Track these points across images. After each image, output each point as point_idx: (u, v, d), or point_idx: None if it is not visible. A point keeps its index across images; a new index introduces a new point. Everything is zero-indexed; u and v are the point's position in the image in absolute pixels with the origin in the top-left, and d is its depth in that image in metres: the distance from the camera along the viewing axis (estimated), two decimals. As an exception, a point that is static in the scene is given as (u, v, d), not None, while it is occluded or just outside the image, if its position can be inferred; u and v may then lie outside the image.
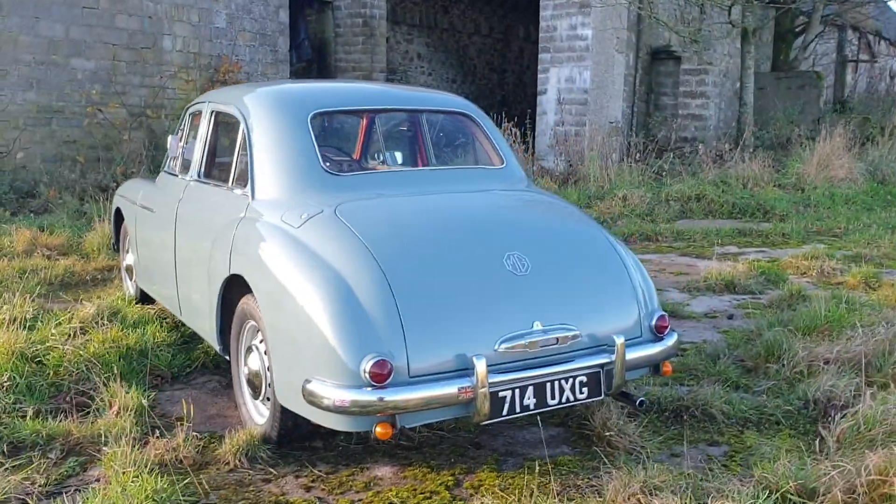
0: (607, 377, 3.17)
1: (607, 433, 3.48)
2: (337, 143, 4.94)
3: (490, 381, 2.91)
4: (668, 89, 13.93)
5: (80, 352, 4.35)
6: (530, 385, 3.02)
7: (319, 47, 18.39)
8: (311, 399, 2.89)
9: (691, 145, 12.73)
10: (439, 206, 3.53)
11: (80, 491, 3.11)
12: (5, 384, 3.97)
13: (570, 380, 3.11)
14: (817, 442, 3.47)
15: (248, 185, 3.70)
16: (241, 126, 3.91)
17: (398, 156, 4.76)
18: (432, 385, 2.85)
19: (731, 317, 5.60)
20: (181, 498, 2.99)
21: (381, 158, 4.64)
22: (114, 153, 12.42)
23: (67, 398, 3.95)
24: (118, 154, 12.34)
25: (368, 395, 2.78)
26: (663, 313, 3.40)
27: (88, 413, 3.82)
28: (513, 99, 21.45)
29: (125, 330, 4.81)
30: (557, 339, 3.08)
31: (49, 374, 4.16)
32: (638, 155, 12.04)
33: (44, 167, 11.67)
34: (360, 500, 3.06)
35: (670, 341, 3.42)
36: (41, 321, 4.99)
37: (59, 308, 5.41)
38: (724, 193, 10.09)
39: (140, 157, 12.26)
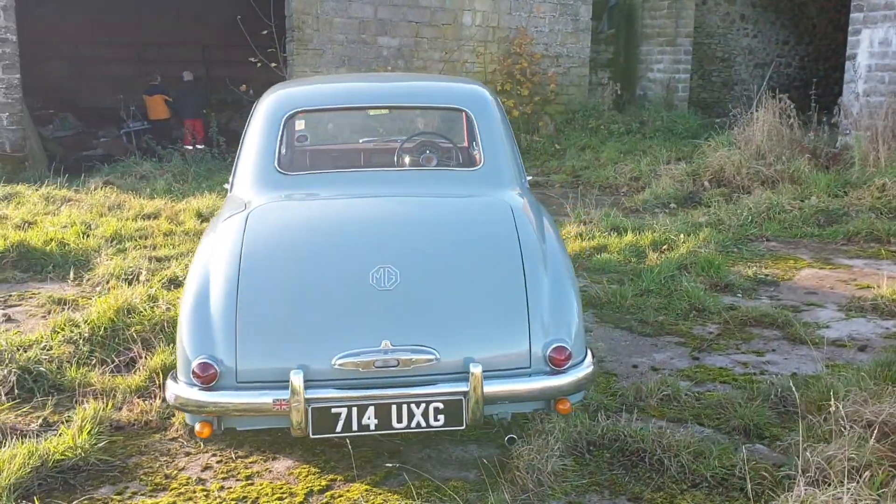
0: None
1: (514, 467, 3.21)
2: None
3: (319, 395, 2.87)
4: None
5: (168, 311, 5.01)
6: (371, 405, 2.91)
7: (627, 13, 17.83)
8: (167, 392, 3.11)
9: None
10: (345, 211, 3.43)
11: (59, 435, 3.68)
12: (90, 336, 4.73)
13: (423, 405, 2.92)
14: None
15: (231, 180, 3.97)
16: None
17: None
18: (248, 393, 2.89)
19: (863, 348, 4.60)
20: (92, 456, 3.40)
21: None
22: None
23: (126, 353, 4.59)
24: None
25: (186, 394, 2.92)
26: (561, 345, 2.98)
27: (133, 368, 4.43)
28: (861, 60, 18.76)
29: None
30: (398, 360, 2.90)
31: (132, 329, 4.86)
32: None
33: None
34: (228, 488, 3.22)
35: (575, 375, 3.01)
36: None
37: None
38: None
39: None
